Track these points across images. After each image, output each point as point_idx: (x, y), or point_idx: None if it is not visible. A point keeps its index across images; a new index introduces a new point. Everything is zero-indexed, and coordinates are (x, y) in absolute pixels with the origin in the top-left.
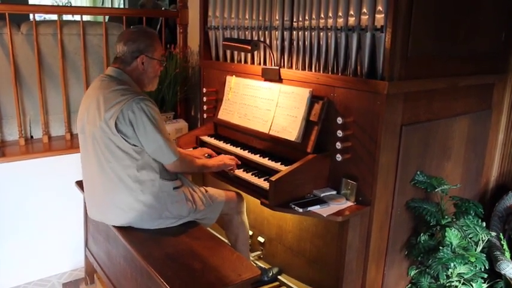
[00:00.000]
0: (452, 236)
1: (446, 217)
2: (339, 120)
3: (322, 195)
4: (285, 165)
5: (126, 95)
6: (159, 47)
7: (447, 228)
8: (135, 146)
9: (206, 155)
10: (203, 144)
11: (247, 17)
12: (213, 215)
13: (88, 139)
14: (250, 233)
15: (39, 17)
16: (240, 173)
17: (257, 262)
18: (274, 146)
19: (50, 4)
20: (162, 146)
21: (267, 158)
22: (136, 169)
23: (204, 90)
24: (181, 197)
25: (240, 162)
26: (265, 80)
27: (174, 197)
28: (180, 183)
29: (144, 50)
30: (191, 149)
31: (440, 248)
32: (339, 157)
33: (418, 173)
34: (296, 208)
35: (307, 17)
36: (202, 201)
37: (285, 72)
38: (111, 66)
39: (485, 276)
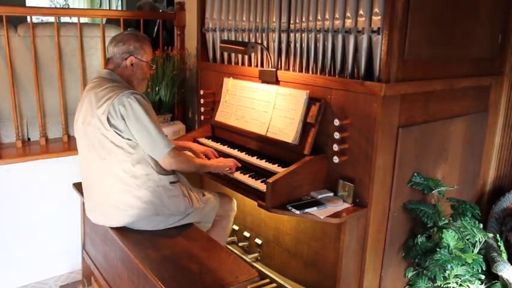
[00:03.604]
0: (450, 237)
1: (443, 219)
2: (336, 122)
3: (319, 197)
4: (282, 167)
5: (115, 90)
6: (148, 51)
7: (444, 230)
8: (129, 139)
9: (204, 156)
10: None
11: (244, 19)
12: (208, 219)
13: (83, 140)
14: (248, 234)
15: (36, 19)
16: (237, 175)
17: (255, 264)
18: (271, 148)
19: (47, 6)
20: (155, 138)
21: (264, 160)
22: (131, 164)
23: (202, 92)
24: (179, 192)
25: (240, 165)
26: (263, 82)
27: (171, 191)
28: (176, 179)
29: (134, 52)
30: (191, 142)
31: (438, 249)
32: (336, 159)
33: (415, 174)
34: (293, 210)
35: (304, 19)
36: (198, 200)
37: (282, 74)
38: (103, 68)
39: (483, 277)
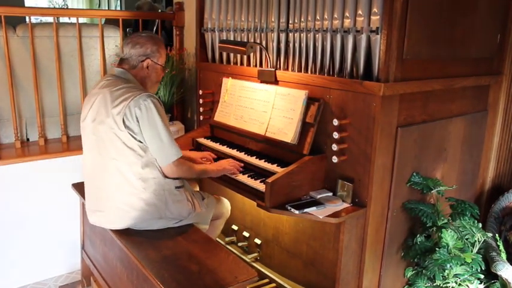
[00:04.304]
0: (449, 237)
1: (442, 218)
2: (335, 121)
3: (318, 196)
4: (281, 167)
5: (132, 91)
6: (163, 54)
7: (443, 230)
8: (140, 142)
9: (204, 159)
10: (199, 146)
11: (243, 19)
12: (206, 220)
13: (91, 138)
14: (247, 234)
15: (35, 19)
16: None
17: (254, 264)
18: (270, 148)
19: (46, 6)
20: (165, 144)
21: (263, 160)
22: (141, 166)
23: (201, 92)
24: (183, 197)
25: (241, 168)
26: (261, 81)
27: (176, 196)
28: (182, 183)
29: (150, 55)
30: (188, 150)
31: (437, 249)
32: (335, 159)
33: (414, 174)
34: (292, 210)
35: (303, 19)
36: (200, 204)
37: (281, 74)
38: (116, 67)
39: (482, 277)
